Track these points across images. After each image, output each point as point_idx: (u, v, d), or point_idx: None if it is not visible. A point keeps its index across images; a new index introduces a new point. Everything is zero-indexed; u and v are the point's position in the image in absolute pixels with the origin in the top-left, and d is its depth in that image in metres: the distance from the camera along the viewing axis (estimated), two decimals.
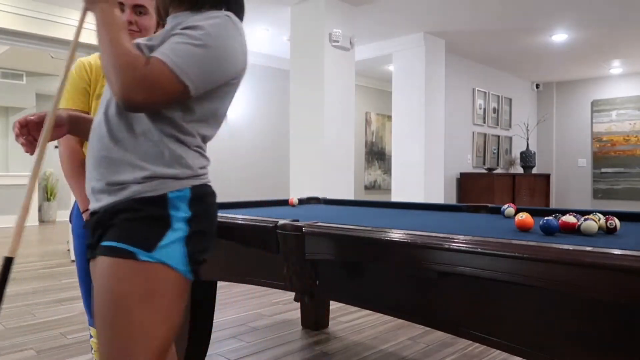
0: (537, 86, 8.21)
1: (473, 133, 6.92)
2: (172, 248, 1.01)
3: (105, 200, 1.05)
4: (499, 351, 2.46)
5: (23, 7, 4.52)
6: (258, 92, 6.53)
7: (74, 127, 1.27)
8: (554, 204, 8.14)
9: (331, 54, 4.50)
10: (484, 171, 6.89)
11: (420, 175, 5.62)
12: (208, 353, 2.37)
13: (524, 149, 7.60)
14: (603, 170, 7.74)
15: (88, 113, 1.55)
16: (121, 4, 1.50)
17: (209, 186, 1.15)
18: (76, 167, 1.50)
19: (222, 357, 2.45)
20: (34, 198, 8.49)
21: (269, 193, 6.48)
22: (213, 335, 2.72)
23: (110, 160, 1.05)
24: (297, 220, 1.58)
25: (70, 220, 1.61)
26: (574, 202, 8.01)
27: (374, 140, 8.25)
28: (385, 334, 2.78)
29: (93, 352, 1.56)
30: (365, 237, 1.34)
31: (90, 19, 1.11)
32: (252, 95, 6.46)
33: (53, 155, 9.20)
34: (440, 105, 5.87)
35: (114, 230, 1.02)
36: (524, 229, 1.47)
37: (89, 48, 4.99)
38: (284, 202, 2.80)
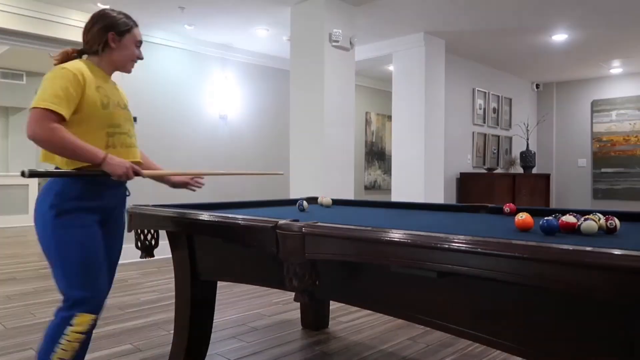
0: (537, 86, 8.21)
1: (473, 133, 6.92)
2: None
3: None
4: (499, 351, 2.46)
5: (23, 7, 4.52)
6: (258, 92, 6.53)
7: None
8: (554, 204, 8.14)
9: (331, 54, 4.50)
10: (484, 171, 6.89)
11: (420, 176, 5.62)
12: (208, 353, 2.37)
13: (524, 149, 7.59)
14: (603, 170, 7.74)
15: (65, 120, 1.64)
16: (140, 43, 1.89)
17: None
18: (58, 131, 1.59)
19: (222, 357, 2.45)
20: (34, 198, 8.48)
21: (269, 193, 6.48)
22: (213, 335, 2.71)
23: None
24: (297, 220, 1.58)
25: (57, 214, 1.67)
26: (574, 202, 8.00)
27: (374, 140, 8.24)
28: (385, 334, 2.78)
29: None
30: (365, 237, 1.34)
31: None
32: (252, 95, 6.46)
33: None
34: (440, 105, 5.86)
35: None
36: (524, 229, 1.47)
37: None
38: (284, 202, 2.81)
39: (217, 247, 2.08)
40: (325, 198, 2.67)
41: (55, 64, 1.74)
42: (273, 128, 6.72)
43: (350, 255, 1.41)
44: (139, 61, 1.90)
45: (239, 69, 6.31)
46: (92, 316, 1.65)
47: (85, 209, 1.71)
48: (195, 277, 2.16)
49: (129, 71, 1.88)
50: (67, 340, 1.60)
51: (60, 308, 1.66)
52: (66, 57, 1.79)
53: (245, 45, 6.08)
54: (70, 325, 1.61)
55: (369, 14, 4.95)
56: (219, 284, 3.96)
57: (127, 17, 1.85)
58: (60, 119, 1.61)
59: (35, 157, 8.82)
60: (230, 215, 1.82)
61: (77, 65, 1.70)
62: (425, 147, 5.61)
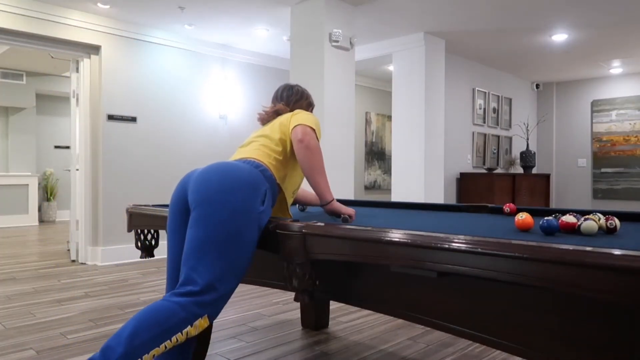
0: (537, 86, 8.21)
1: (473, 133, 6.92)
2: None
3: None
4: (499, 351, 2.46)
5: (23, 7, 4.52)
6: (258, 92, 6.53)
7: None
8: (554, 204, 8.14)
9: (331, 54, 4.50)
10: (484, 171, 6.89)
11: (420, 175, 5.62)
12: (208, 353, 2.37)
13: (524, 149, 7.59)
14: (603, 170, 7.74)
15: None
16: None
17: None
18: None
19: (222, 357, 2.45)
20: (34, 198, 8.49)
21: None
22: (213, 335, 2.72)
23: None
24: (297, 221, 1.58)
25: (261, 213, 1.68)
26: (574, 202, 8.00)
27: (374, 140, 8.24)
28: (385, 334, 2.78)
29: None
30: (365, 237, 1.34)
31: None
32: (252, 95, 6.46)
33: (53, 156, 9.21)
34: (440, 105, 5.87)
35: None
36: (524, 229, 1.47)
37: (89, 48, 4.99)
38: None
39: None
40: None
41: (278, 113, 2.08)
42: None
43: (350, 255, 1.41)
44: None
45: (239, 68, 6.32)
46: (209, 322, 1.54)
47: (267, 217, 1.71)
48: None
49: None
50: (177, 339, 1.45)
51: (194, 302, 1.49)
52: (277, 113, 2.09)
53: (245, 45, 6.08)
54: (191, 326, 1.47)
55: (369, 14, 4.95)
56: None
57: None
58: None
59: (35, 158, 8.83)
60: None
61: None
62: (425, 147, 5.61)
